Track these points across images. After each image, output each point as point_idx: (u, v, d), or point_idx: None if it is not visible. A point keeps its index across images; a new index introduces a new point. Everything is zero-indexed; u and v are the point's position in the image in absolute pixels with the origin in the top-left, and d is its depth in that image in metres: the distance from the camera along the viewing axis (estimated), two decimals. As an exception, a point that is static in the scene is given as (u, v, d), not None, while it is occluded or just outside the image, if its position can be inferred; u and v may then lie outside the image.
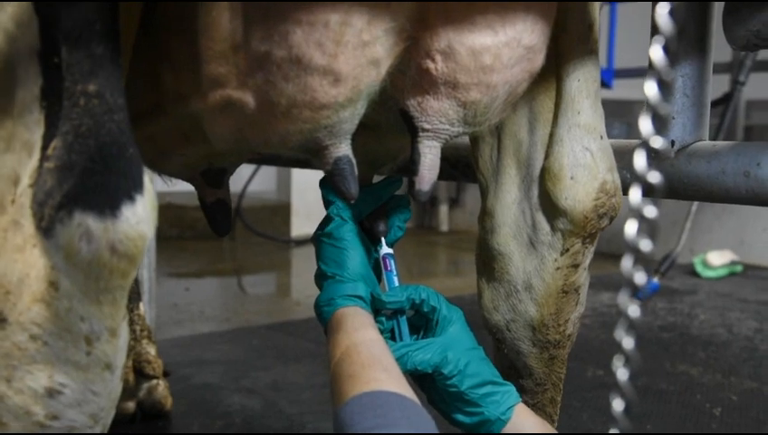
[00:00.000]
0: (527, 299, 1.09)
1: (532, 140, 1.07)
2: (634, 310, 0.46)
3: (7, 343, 0.77)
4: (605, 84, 4.50)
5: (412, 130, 0.89)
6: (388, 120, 0.94)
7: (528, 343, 1.11)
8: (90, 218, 0.71)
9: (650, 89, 0.45)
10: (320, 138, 0.83)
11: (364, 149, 1.07)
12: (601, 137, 1.03)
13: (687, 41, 1.09)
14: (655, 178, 0.46)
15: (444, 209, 6.86)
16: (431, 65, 0.83)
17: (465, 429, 1.01)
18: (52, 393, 0.78)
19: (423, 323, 1.04)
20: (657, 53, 0.44)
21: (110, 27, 0.74)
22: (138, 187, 0.74)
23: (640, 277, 0.46)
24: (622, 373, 0.46)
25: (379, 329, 1.01)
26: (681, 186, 1.09)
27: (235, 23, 0.77)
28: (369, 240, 1.07)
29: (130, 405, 2.15)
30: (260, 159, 1.99)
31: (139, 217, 0.73)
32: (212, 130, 0.86)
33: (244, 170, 5.75)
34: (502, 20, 0.82)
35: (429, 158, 0.90)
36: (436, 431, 0.85)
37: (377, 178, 1.16)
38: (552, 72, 1.03)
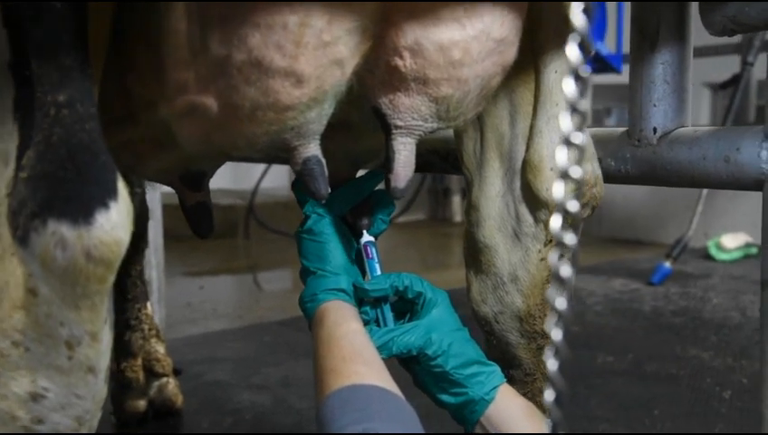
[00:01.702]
0: (513, 290, 1.09)
1: (513, 133, 1.07)
2: (561, 302, 0.47)
3: (-10, 349, 0.79)
4: (614, 69, 4.46)
5: (385, 128, 0.89)
6: (365, 119, 0.95)
7: (516, 334, 1.12)
8: (63, 226, 0.72)
9: (568, 86, 0.46)
10: (287, 139, 0.83)
11: (345, 147, 1.08)
12: (580, 127, 1.03)
13: (666, 28, 1.08)
14: (576, 173, 0.46)
15: (457, 200, 6.85)
16: (400, 62, 0.83)
17: (451, 409, 1.02)
18: (35, 398, 0.80)
19: (408, 308, 1.05)
20: (573, 51, 0.45)
21: (77, 39, 0.75)
22: (111, 193, 0.75)
23: (566, 270, 0.47)
24: (552, 363, 0.47)
25: (364, 319, 1.02)
26: (664, 172, 1.09)
27: (193, 28, 0.77)
28: (353, 234, 1.08)
29: (141, 403, 2.17)
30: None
31: (113, 223, 0.75)
32: (181, 135, 0.87)
33: (257, 168, 5.78)
34: (469, 14, 0.82)
35: (404, 154, 0.90)
36: (417, 423, 0.86)
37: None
38: (531, 65, 1.04)
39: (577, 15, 0.45)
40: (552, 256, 0.47)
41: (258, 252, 5.35)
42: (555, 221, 0.47)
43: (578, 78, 0.46)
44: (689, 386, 2.37)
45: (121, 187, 0.77)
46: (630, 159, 1.13)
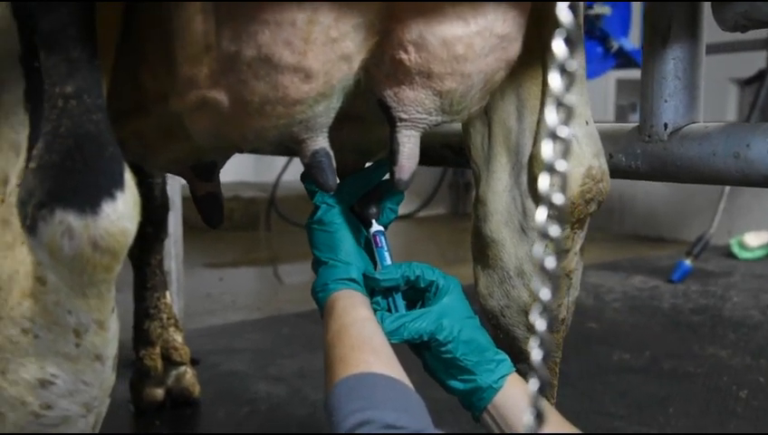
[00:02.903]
0: (520, 285, 1.10)
1: (520, 128, 1.07)
2: (545, 293, 0.47)
3: (0, 336, 0.81)
4: (636, 64, 4.43)
5: (390, 121, 0.90)
6: (373, 111, 0.96)
7: (522, 329, 1.12)
8: (70, 216, 0.74)
9: (554, 80, 0.46)
10: (296, 132, 0.85)
11: (353, 139, 1.09)
12: (587, 123, 1.03)
13: (678, 23, 1.08)
14: (562, 166, 0.46)
15: (477, 194, 6.82)
16: (404, 56, 0.84)
17: (459, 395, 1.03)
18: (44, 384, 0.82)
19: (419, 297, 1.06)
20: (559, 47, 0.45)
21: (85, 31, 0.77)
22: (118, 184, 0.76)
23: (550, 262, 0.47)
24: (537, 353, 0.48)
25: (375, 309, 1.03)
26: (674, 168, 1.09)
27: (206, 24, 0.79)
28: (362, 224, 1.09)
29: (159, 392, 2.20)
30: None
31: (119, 214, 0.76)
32: (192, 128, 0.89)
33: (278, 161, 5.81)
34: (472, 10, 0.83)
35: (408, 147, 0.91)
36: (424, 411, 0.87)
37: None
38: (538, 60, 1.04)
39: (563, 11, 0.45)
40: (537, 247, 0.48)
41: (279, 244, 5.38)
42: (540, 214, 0.47)
43: (564, 72, 0.46)
44: (705, 384, 2.36)
45: (128, 177, 0.78)
46: (641, 155, 1.13)
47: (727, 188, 3.94)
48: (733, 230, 4.63)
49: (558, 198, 0.47)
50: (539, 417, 0.49)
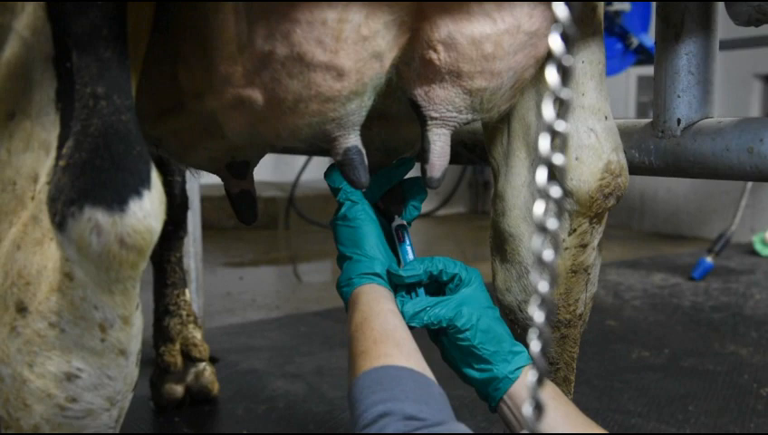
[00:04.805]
0: (537, 280, 1.10)
1: (539, 123, 1.08)
2: (543, 285, 0.48)
3: (28, 330, 0.83)
4: (656, 61, 4.41)
5: (421, 119, 0.92)
6: (401, 110, 0.97)
7: (540, 324, 1.12)
8: (99, 213, 0.76)
9: (551, 75, 0.47)
10: (328, 130, 0.86)
11: (381, 137, 1.10)
12: (606, 117, 1.03)
13: (691, 18, 1.08)
14: (559, 160, 0.47)
15: (496, 193, 6.81)
16: (434, 56, 0.85)
17: (475, 385, 1.04)
18: (70, 377, 0.84)
19: (442, 291, 1.08)
20: (555, 42, 0.46)
21: (116, 32, 0.79)
22: (145, 182, 0.78)
23: (548, 254, 0.48)
24: (535, 345, 0.49)
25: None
26: (687, 164, 1.09)
27: (240, 24, 0.81)
28: (386, 220, 1.11)
29: (179, 389, 2.23)
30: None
31: (146, 212, 0.78)
32: (227, 126, 0.91)
33: (297, 161, 5.84)
34: (499, 8, 0.84)
35: (439, 145, 0.92)
36: (446, 404, 0.88)
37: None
38: (557, 56, 1.04)
39: (559, 7, 0.46)
40: (536, 240, 0.49)
41: (298, 244, 5.40)
42: (538, 207, 0.48)
43: (561, 67, 0.47)
44: (725, 382, 2.35)
45: (155, 176, 0.80)
46: (654, 151, 1.13)
47: (749, 184, 3.91)
48: (755, 227, 4.60)
49: (555, 192, 0.48)
50: (538, 408, 0.50)
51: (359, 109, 0.87)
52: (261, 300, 3.72)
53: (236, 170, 1.20)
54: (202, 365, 2.27)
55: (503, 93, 0.92)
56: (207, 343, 2.31)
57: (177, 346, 2.25)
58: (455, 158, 1.43)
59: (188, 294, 2.33)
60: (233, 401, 2.26)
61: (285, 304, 3.63)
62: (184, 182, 2.28)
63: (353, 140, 0.91)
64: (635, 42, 4.15)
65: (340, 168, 0.93)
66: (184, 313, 2.26)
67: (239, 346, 2.76)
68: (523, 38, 0.87)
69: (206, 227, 2.94)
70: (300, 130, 0.88)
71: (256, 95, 0.85)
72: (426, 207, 6.36)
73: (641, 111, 6.66)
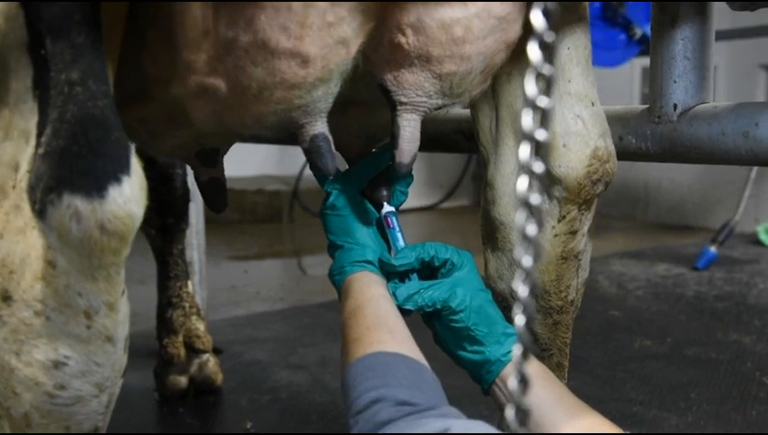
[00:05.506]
0: (528, 267, 1.10)
1: (528, 110, 1.07)
2: (527, 260, 0.48)
3: (14, 319, 0.83)
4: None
5: (391, 105, 0.91)
6: (376, 96, 0.97)
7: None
8: (78, 200, 0.76)
9: (533, 52, 0.46)
10: (295, 117, 0.86)
11: (359, 123, 1.10)
12: (593, 103, 1.03)
13: (687, 4, 1.07)
14: (542, 135, 0.47)
15: (502, 185, 6.79)
16: (402, 40, 0.84)
17: (468, 367, 1.04)
18: (57, 365, 0.84)
19: (434, 276, 1.07)
20: (537, 18, 0.45)
21: (89, 17, 0.78)
22: (124, 168, 0.78)
23: (531, 229, 0.48)
24: (520, 319, 0.48)
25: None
26: (683, 149, 1.08)
27: (204, 10, 0.80)
28: (374, 207, 1.10)
29: (183, 380, 2.23)
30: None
31: (126, 198, 0.78)
32: (192, 114, 0.90)
33: (302, 154, 5.81)
34: (470, -8, 0.83)
35: (408, 131, 0.92)
36: (439, 390, 0.88)
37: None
38: (545, 41, 1.03)
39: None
40: (519, 215, 0.48)
41: (302, 236, 5.40)
42: (522, 182, 0.48)
43: (543, 44, 0.46)
44: (728, 371, 2.34)
45: (135, 162, 0.79)
46: (650, 136, 1.13)
47: (753, 174, 3.89)
48: (759, 217, 4.57)
49: (538, 167, 0.47)
50: (523, 381, 0.49)
51: (325, 96, 0.86)
52: (265, 292, 3.72)
53: (205, 158, 1.18)
54: (205, 356, 2.28)
55: (473, 78, 0.91)
56: (212, 335, 2.32)
57: (181, 338, 2.26)
58: (454, 146, 1.43)
59: (191, 286, 2.33)
60: (237, 392, 2.26)
61: (289, 296, 3.64)
62: (185, 174, 2.28)
63: (320, 127, 0.90)
64: (638, 32, 4.11)
65: (308, 155, 0.93)
66: (187, 304, 2.27)
67: (243, 338, 2.77)
68: (493, 22, 0.86)
69: (211, 220, 2.94)
70: (265, 117, 0.87)
71: (220, 83, 0.84)
72: (429, 199, 6.36)
73: (646, 103, 6.62)
